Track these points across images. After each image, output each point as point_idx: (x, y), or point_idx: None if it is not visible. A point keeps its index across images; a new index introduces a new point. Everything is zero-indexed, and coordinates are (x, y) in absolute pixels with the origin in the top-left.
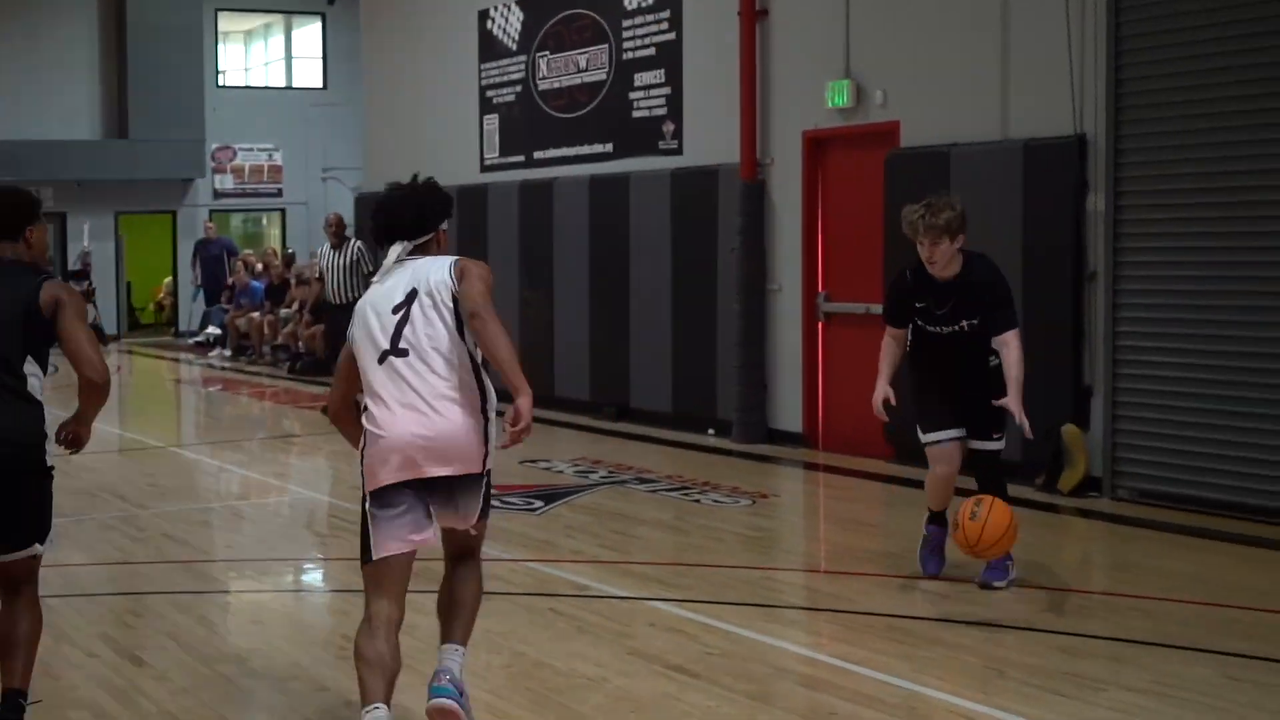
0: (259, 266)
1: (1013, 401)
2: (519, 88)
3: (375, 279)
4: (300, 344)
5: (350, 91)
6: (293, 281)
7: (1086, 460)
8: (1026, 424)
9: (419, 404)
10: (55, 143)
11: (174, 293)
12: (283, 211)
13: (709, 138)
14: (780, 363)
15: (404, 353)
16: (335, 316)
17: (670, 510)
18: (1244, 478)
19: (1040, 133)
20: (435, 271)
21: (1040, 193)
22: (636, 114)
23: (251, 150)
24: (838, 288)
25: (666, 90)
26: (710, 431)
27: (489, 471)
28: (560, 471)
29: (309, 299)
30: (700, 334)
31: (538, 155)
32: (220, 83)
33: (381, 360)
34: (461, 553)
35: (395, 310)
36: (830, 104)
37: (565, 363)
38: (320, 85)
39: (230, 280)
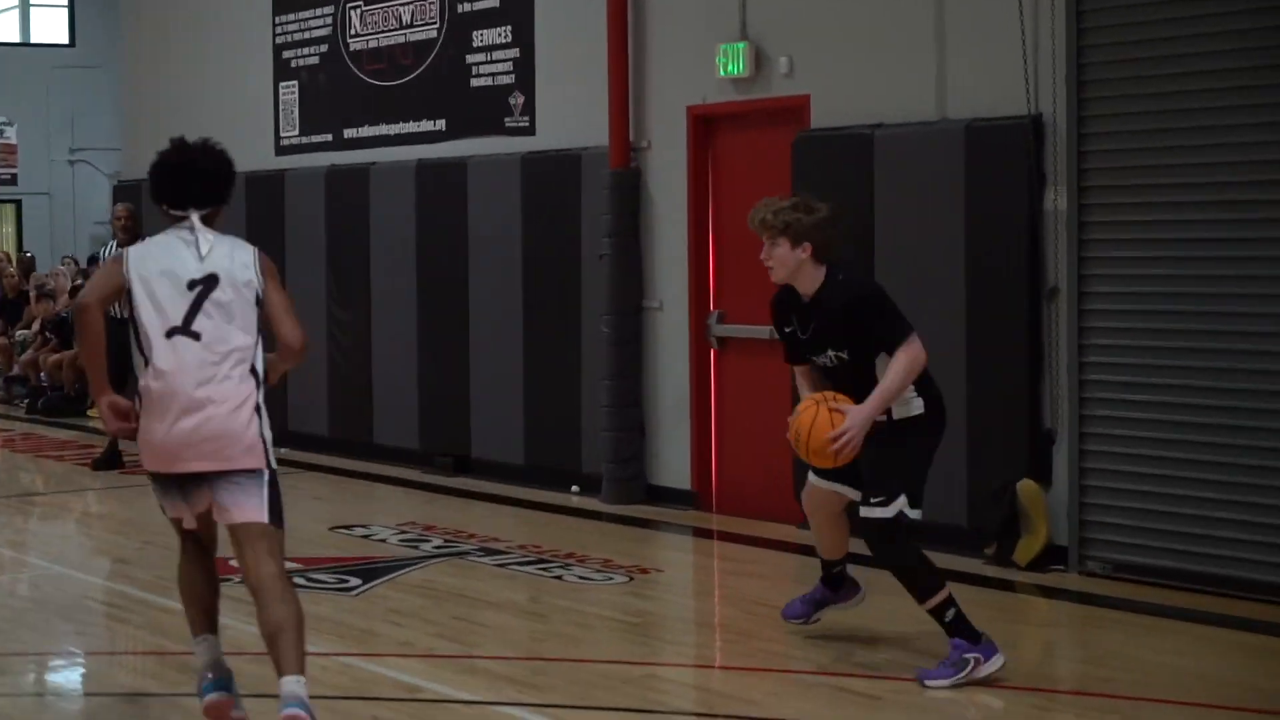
0: None
1: (860, 409)
2: (324, 47)
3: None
4: (42, 375)
5: (106, 50)
6: (32, 295)
7: (1048, 525)
8: (842, 439)
9: (197, 393)
10: None
11: None
12: (18, 203)
13: (569, 114)
14: (662, 402)
15: (196, 335)
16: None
17: (525, 589)
18: (1241, 546)
19: (986, 112)
20: (239, 263)
21: (986, 187)
22: (476, 82)
23: None
24: (735, 306)
25: (514, 52)
26: (574, 489)
27: (274, 471)
28: (382, 540)
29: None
30: (560, 365)
31: (349, 134)
32: None
33: (169, 335)
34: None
35: (191, 286)
36: (723, 73)
37: (387, 401)
38: (66, 41)
39: None
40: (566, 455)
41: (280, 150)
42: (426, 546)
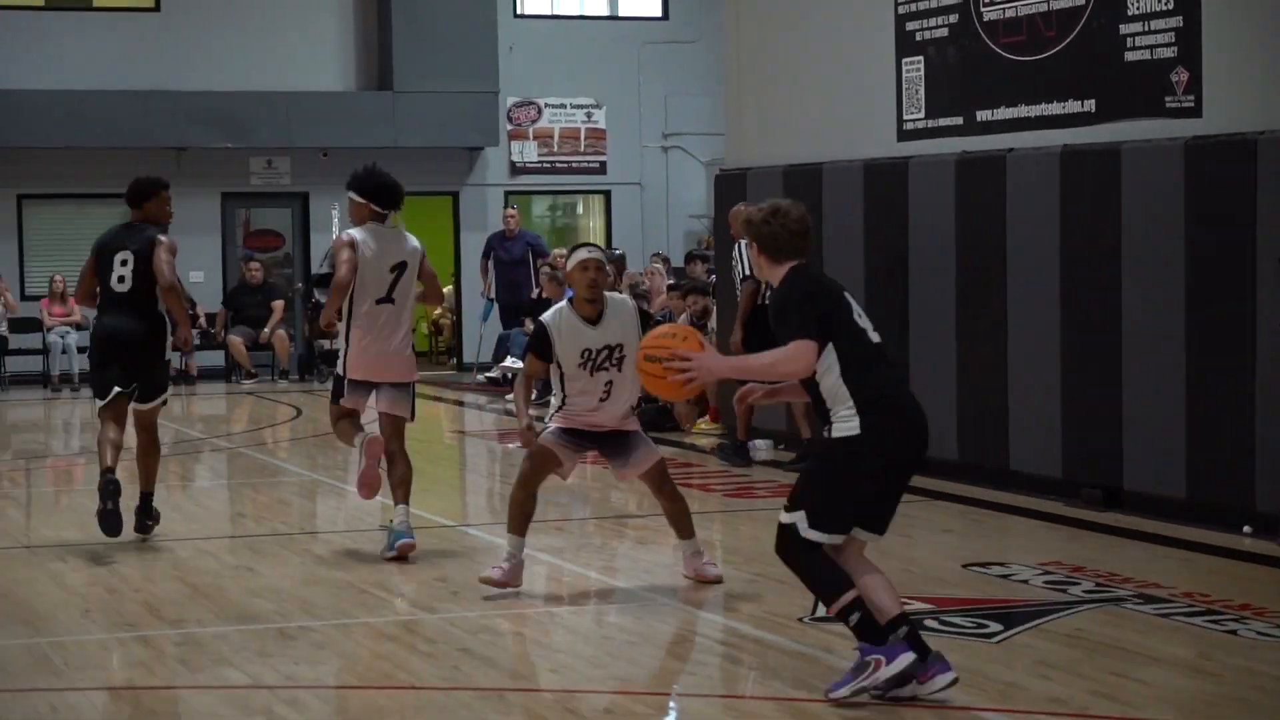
0: None
1: (716, 356)
2: (954, 18)
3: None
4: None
5: (701, 23)
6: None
7: None
8: (677, 366)
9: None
10: (292, 97)
11: (456, 309)
12: (607, 194)
13: (1242, 92)
14: None
15: (392, 301)
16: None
17: (1191, 644)
18: None
19: None
20: (414, 251)
21: None
22: (1131, 56)
23: (563, 107)
24: None
25: (1176, 21)
26: (1246, 530)
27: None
28: (1024, 581)
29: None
30: (1230, 384)
31: (983, 116)
32: (519, 10)
33: (378, 302)
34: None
35: (392, 270)
36: None
37: (1025, 423)
38: (659, 15)
39: (537, 292)
40: (1237, 489)
41: (902, 135)
42: (1075, 590)
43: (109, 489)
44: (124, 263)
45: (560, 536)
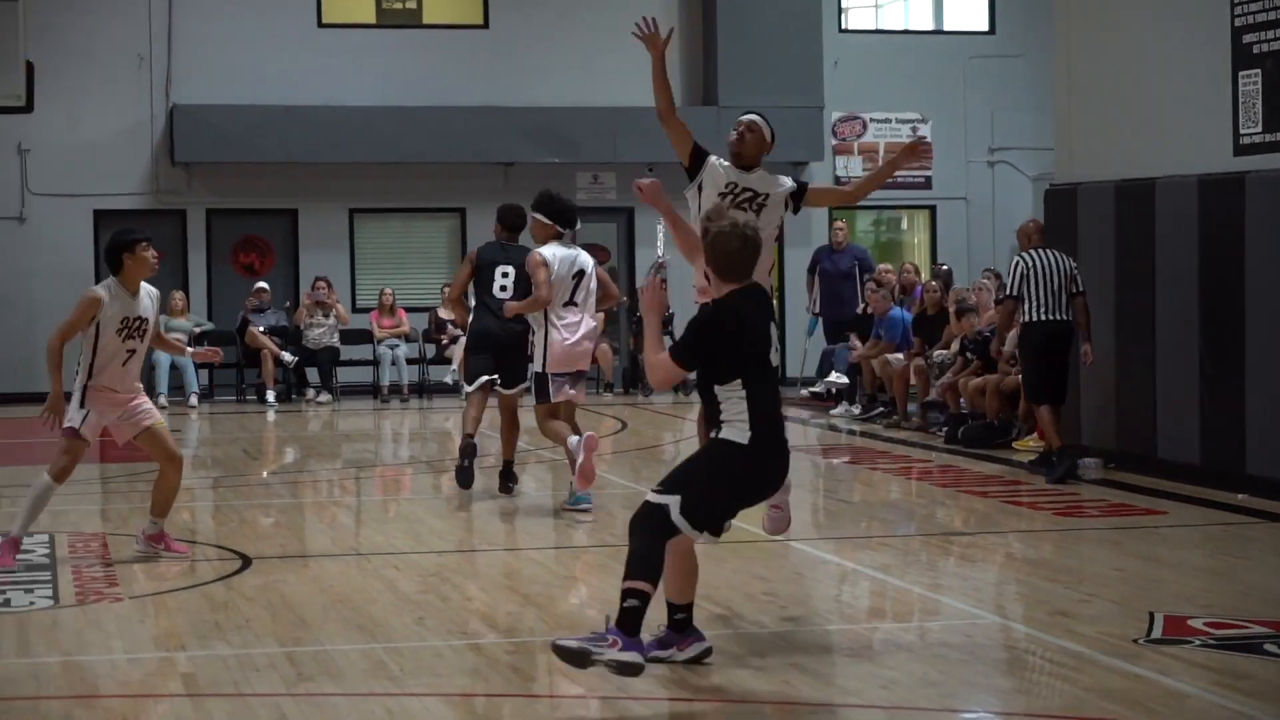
0: (897, 288)
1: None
2: None
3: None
4: (962, 401)
5: (1027, 37)
6: (951, 311)
7: None
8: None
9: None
10: (618, 112)
11: (780, 323)
12: (932, 209)
13: None
14: None
15: (576, 304)
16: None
17: None
18: None
19: None
20: (589, 260)
21: None
22: None
23: (888, 122)
24: None
25: None
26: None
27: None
28: None
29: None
30: None
31: None
32: (844, 25)
33: (565, 305)
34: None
35: (574, 276)
36: None
37: None
38: (985, 29)
39: (862, 307)
40: None
41: (1239, 149)
42: None
43: (468, 450)
44: (505, 275)
45: (886, 553)
